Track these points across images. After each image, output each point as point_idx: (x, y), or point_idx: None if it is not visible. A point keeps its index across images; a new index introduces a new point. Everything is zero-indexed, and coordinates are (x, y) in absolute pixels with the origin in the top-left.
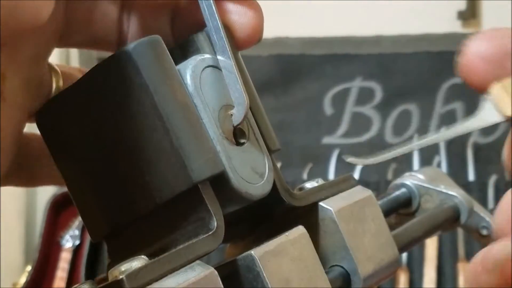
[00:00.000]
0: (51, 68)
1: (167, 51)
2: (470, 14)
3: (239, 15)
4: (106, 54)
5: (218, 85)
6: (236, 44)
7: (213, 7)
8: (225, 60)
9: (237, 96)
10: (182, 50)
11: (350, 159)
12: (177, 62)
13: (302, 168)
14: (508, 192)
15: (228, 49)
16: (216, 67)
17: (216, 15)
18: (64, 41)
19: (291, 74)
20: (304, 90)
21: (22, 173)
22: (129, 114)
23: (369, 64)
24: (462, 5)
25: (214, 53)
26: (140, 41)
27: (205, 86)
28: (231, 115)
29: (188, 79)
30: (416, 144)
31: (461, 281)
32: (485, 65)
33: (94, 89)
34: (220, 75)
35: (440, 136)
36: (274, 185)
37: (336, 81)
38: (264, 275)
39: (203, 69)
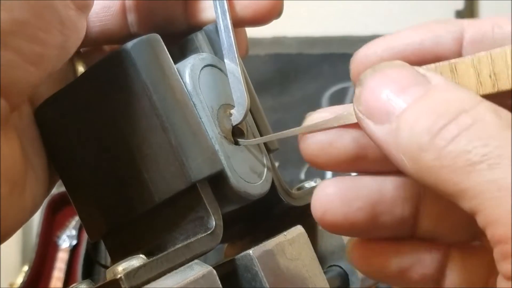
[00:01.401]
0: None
1: (166, 49)
2: (468, 13)
3: None
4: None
5: (217, 84)
6: (256, 19)
7: (226, 6)
8: (230, 61)
9: (239, 96)
10: (181, 49)
11: (240, 141)
12: (176, 61)
13: (299, 167)
14: None
15: (235, 49)
16: (215, 66)
17: (228, 14)
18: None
19: (289, 74)
20: (302, 89)
21: None
22: (127, 112)
23: None
24: (460, 5)
25: (213, 52)
26: (138, 40)
27: (204, 85)
28: (230, 114)
29: (187, 78)
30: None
31: None
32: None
33: (93, 88)
34: (219, 74)
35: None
36: (273, 184)
37: (333, 80)
38: (262, 274)
39: (202, 68)
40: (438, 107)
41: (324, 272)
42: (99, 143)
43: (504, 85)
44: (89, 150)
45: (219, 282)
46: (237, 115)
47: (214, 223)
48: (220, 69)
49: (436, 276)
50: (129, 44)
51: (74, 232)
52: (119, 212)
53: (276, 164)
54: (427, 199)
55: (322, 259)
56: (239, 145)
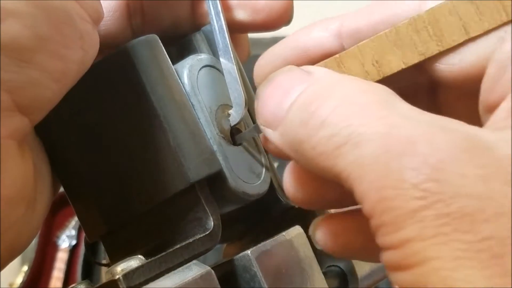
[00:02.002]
0: None
1: (164, 50)
2: None
3: None
4: None
5: (215, 84)
6: (268, 23)
7: (219, 7)
8: (227, 60)
9: (236, 96)
10: (179, 49)
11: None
12: (174, 61)
13: None
14: None
15: (230, 49)
16: (213, 66)
17: (222, 14)
18: None
19: None
20: None
21: None
22: (126, 113)
23: None
24: None
25: (211, 53)
26: (137, 41)
27: (202, 85)
28: (229, 114)
29: (185, 79)
30: None
31: None
32: None
33: (91, 89)
34: (217, 74)
35: None
36: (271, 184)
37: None
38: (261, 275)
39: (200, 69)
40: (309, 98)
41: (323, 272)
42: (97, 143)
43: (387, 71)
44: (88, 150)
45: (218, 282)
46: (235, 115)
47: (212, 223)
48: (218, 69)
49: None
50: (128, 45)
51: (73, 232)
52: (118, 213)
53: (275, 164)
54: None
55: (320, 259)
56: (238, 145)
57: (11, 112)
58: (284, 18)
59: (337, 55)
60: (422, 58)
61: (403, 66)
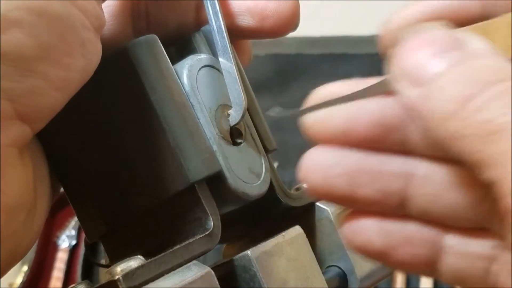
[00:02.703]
0: None
1: (164, 50)
2: None
3: (276, 3)
4: None
5: (215, 84)
6: (275, 31)
7: (217, 7)
8: (226, 60)
9: (236, 96)
10: (178, 49)
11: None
12: (173, 61)
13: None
14: None
15: (229, 50)
16: (212, 66)
17: (220, 15)
18: None
19: (288, 74)
20: (301, 89)
21: None
22: (125, 113)
23: (366, 64)
24: None
25: (211, 53)
26: (136, 41)
27: (202, 85)
28: (228, 115)
29: (185, 79)
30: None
31: None
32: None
33: (91, 89)
34: (216, 74)
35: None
36: (271, 185)
37: (333, 80)
38: (261, 275)
39: (199, 69)
40: (470, 75)
41: (323, 273)
42: (97, 143)
43: None
44: (87, 150)
45: (217, 282)
46: (234, 115)
47: (212, 223)
48: (218, 69)
49: (430, 259)
50: (127, 45)
51: (73, 232)
52: (117, 213)
53: (275, 164)
54: (417, 178)
55: (320, 260)
56: (237, 145)
57: (12, 120)
58: (291, 24)
59: (485, 22)
60: None
61: None
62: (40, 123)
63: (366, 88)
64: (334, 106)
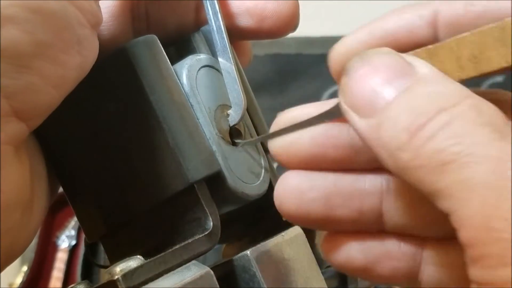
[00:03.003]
0: None
1: (163, 50)
2: None
3: (276, 4)
4: None
5: (214, 85)
6: (274, 32)
7: (217, 7)
8: (225, 60)
9: (235, 96)
10: (178, 49)
11: (238, 141)
12: (173, 61)
13: None
14: None
15: (229, 50)
16: (212, 67)
17: (219, 15)
18: None
19: (288, 74)
20: (300, 89)
21: None
22: (125, 114)
23: None
24: None
25: (210, 53)
26: (135, 41)
27: (201, 86)
28: (228, 115)
29: (184, 79)
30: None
31: None
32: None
33: (90, 89)
34: (216, 75)
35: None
36: (271, 185)
37: (332, 80)
38: (260, 275)
39: (199, 69)
40: (419, 103)
41: (322, 273)
42: (96, 144)
43: (484, 68)
44: (87, 151)
45: (217, 282)
46: (234, 115)
47: (211, 223)
48: (217, 69)
49: (410, 271)
50: (126, 45)
51: (73, 232)
52: (117, 213)
53: (275, 164)
54: (392, 194)
55: (320, 260)
56: (237, 145)
57: (8, 117)
58: (290, 25)
59: (430, 46)
60: None
61: (504, 65)
62: (36, 120)
63: (328, 110)
64: (299, 130)
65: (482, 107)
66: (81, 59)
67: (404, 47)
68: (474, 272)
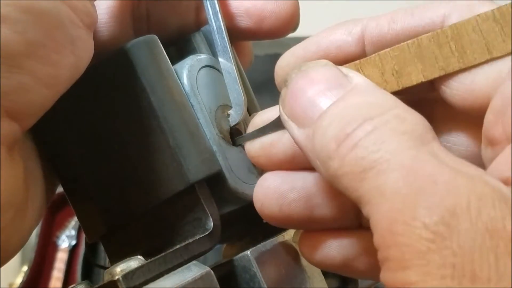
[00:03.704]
0: None
1: (164, 51)
2: None
3: (275, 4)
4: None
5: (215, 85)
6: (273, 32)
7: (217, 7)
8: (226, 60)
9: (235, 96)
10: (178, 49)
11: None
12: (173, 62)
13: None
14: None
15: (229, 50)
16: (212, 67)
17: (220, 15)
18: None
19: None
20: None
21: None
22: (125, 114)
23: None
24: None
25: (211, 53)
26: (136, 41)
27: (202, 86)
28: (228, 115)
29: (185, 79)
30: None
31: None
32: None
33: (91, 89)
34: (216, 75)
35: None
36: None
37: None
38: (261, 275)
39: (199, 69)
40: (348, 113)
41: (322, 273)
42: (97, 144)
43: (406, 83)
44: (87, 151)
45: (217, 283)
46: (234, 115)
47: (212, 224)
48: (218, 70)
49: None
50: (127, 45)
51: (73, 232)
52: (117, 213)
53: None
54: None
55: None
56: (237, 145)
57: (0, 117)
58: (290, 25)
59: (357, 61)
60: (442, 73)
61: (423, 79)
62: (29, 120)
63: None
64: (275, 131)
65: (407, 116)
66: (74, 59)
67: (335, 62)
68: (382, 274)
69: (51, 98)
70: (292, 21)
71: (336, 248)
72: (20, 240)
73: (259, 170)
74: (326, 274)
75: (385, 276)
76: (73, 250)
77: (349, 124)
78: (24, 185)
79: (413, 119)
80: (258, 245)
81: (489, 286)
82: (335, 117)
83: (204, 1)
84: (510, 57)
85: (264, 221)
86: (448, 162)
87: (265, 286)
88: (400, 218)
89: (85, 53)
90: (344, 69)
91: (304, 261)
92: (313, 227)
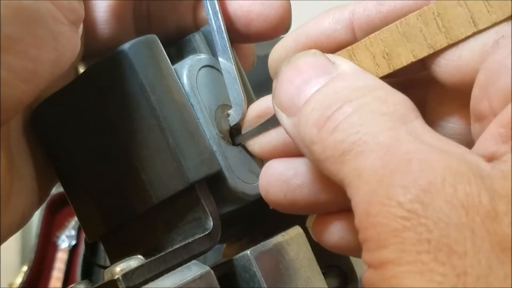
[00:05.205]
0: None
1: (164, 50)
2: None
3: (262, 6)
4: None
5: (215, 84)
6: (262, 35)
7: (217, 7)
8: (225, 60)
9: (235, 96)
10: (178, 49)
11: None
12: (173, 61)
13: None
14: None
15: (229, 50)
16: (212, 67)
17: (220, 15)
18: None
19: None
20: None
21: None
22: (125, 113)
23: None
24: None
25: (210, 53)
26: (136, 41)
27: (202, 85)
28: (228, 115)
29: (185, 79)
30: None
31: None
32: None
33: (91, 89)
34: (216, 74)
35: None
36: None
37: None
38: (260, 275)
39: (199, 69)
40: (330, 97)
41: (323, 273)
42: (97, 143)
43: (397, 64)
44: (87, 150)
45: (217, 282)
46: (234, 115)
47: (211, 223)
48: (217, 69)
49: None
50: (127, 45)
51: (73, 232)
52: (117, 213)
53: None
54: None
55: (320, 260)
56: (237, 145)
57: None
58: (280, 27)
59: (349, 47)
60: (431, 51)
61: (413, 59)
62: (7, 114)
63: None
64: (275, 127)
65: (388, 98)
66: (56, 54)
67: (327, 51)
68: (362, 256)
69: (30, 93)
70: (282, 23)
71: (349, 230)
72: (4, 230)
73: (259, 170)
74: (326, 274)
75: (365, 257)
76: (73, 250)
77: (329, 108)
78: (8, 178)
79: (395, 100)
80: (258, 245)
81: (466, 260)
82: (317, 102)
83: (204, 1)
84: (494, 28)
85: (271, 208)
86: (428, 140)
87: (265, 286)
88: (376, 198)
89: (68, 49)
90: (332, 56)
91: (304, 261)
92: (320, 211)
